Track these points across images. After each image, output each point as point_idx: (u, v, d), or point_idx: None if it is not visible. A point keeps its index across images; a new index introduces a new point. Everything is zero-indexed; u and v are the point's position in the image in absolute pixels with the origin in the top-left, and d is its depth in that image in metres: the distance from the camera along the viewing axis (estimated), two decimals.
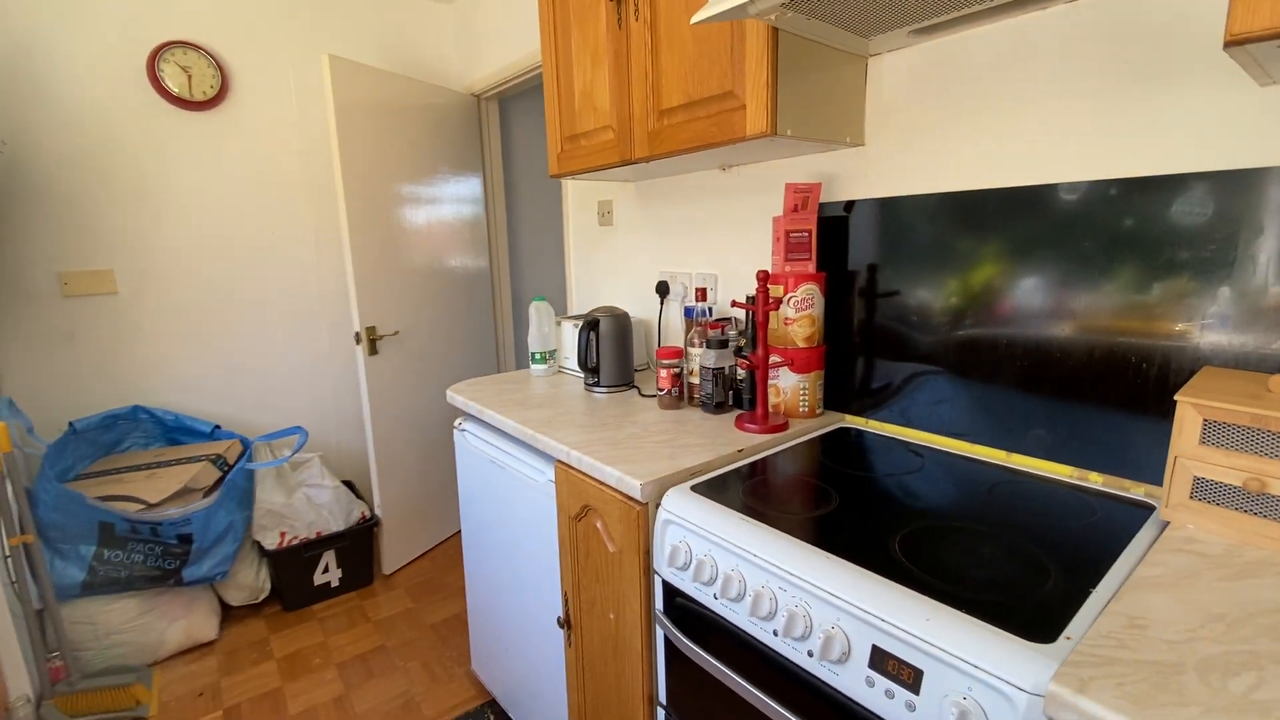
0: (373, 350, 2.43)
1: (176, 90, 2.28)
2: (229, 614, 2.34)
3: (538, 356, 1.94)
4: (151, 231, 2.30)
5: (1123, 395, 1.01)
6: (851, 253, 1.38)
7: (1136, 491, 1.01)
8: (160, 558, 1.95)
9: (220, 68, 2.35)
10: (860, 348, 1.39)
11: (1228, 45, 0.65)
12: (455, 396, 1.73)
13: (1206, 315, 0.92)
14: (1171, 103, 0.93)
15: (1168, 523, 0.87)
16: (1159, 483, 0.99)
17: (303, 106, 2.55)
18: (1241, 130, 0.88)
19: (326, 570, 2.40)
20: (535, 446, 1.37)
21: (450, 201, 2.75)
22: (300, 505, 2.35)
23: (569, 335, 1.90)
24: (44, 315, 2.14)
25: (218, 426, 2.39)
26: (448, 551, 2.80)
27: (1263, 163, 0.86)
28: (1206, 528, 0.83)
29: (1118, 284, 1.00)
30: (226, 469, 2.19)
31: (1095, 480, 1.05)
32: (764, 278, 1.28)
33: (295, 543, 2.31)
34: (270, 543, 2.28)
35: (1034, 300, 1.10)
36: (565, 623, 1.36)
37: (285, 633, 2.23)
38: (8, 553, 1.69)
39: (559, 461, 1.30)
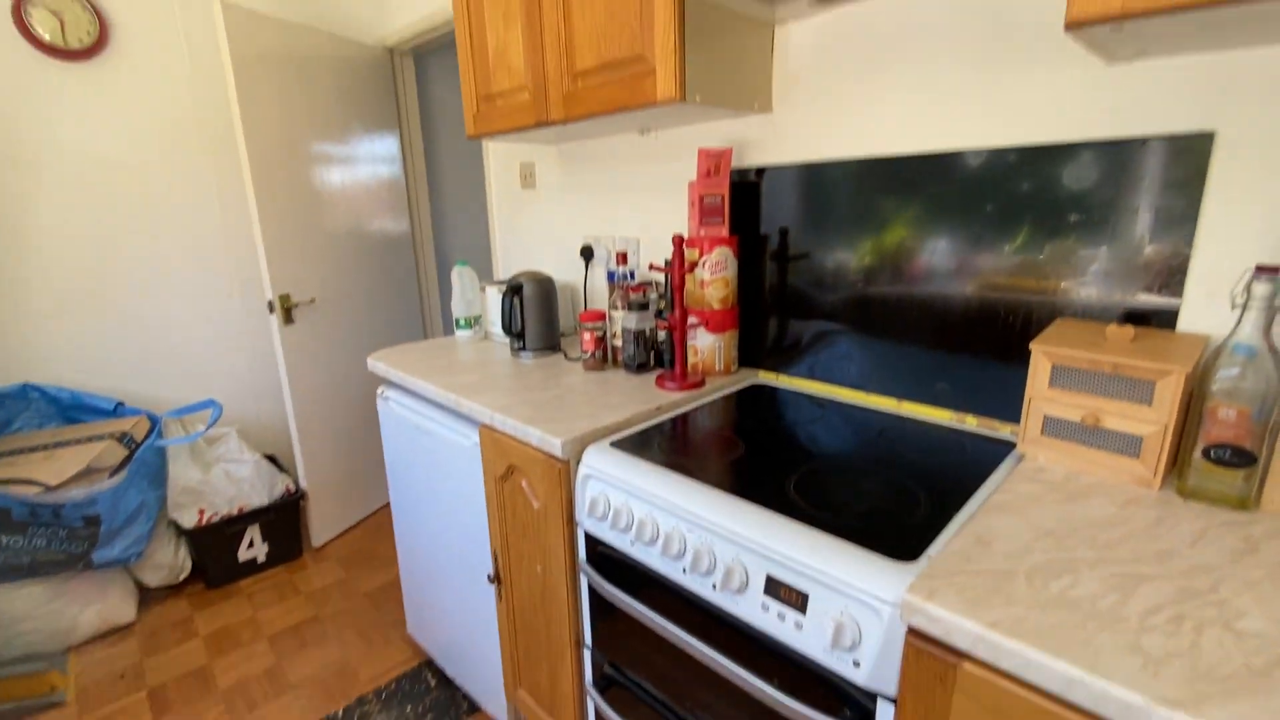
0: (288, 319, 2.34)
1: (49, 38, 2.06)
2: (148, 595, 2.26)
3: (462, 322, 1.93)
4: (30, 194, 2.11)
5: (999, 347, 1.13)
6: (764, 217, 1.45)
7: (1004, 431, 1.13)
8: (65, 541, 1.86)
9: (97, 12, 2.14)
10: (772, 308, 1.47)
11: (1068, 28, 0.72)
12: (377, 364, 1.71)
13: (1087, 273, 1.03)
14: (1044, 78, 1.02)
15: (1023, 456, 0.99)
16: None
17: (195, 57, 2.36)
18: (1100, 104, 0.98)
19: (252, 545, 2.35)
20: (460, 411, 1.39)
21: (366, 161, 2.64)
22: (219, 481, 2.27)
23: (494, 301, 1.90)
24: None
25: (121, 403, 2.26)
26: (379, 521, 2.79)
27: (1120, 133, 0.97)
28: (1053, 459, 0.96)
29: (1007, 244, 1.11)
30: (134, 447, 2.09)
31: (971, 423, 1.18)
32: (679, 242, 1.32)
33: (216, 519, 2.24)
34: (188, 521, 2.20)
35: (930, 261, 1.20)
36: (495, 578, 1.41)
37: (210, 610, 2.19)
38: None
39: (483, 425, 1.32)
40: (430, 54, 3.09)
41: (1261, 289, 0.79)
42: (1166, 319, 0.96)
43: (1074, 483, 0.90)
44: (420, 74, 3.09)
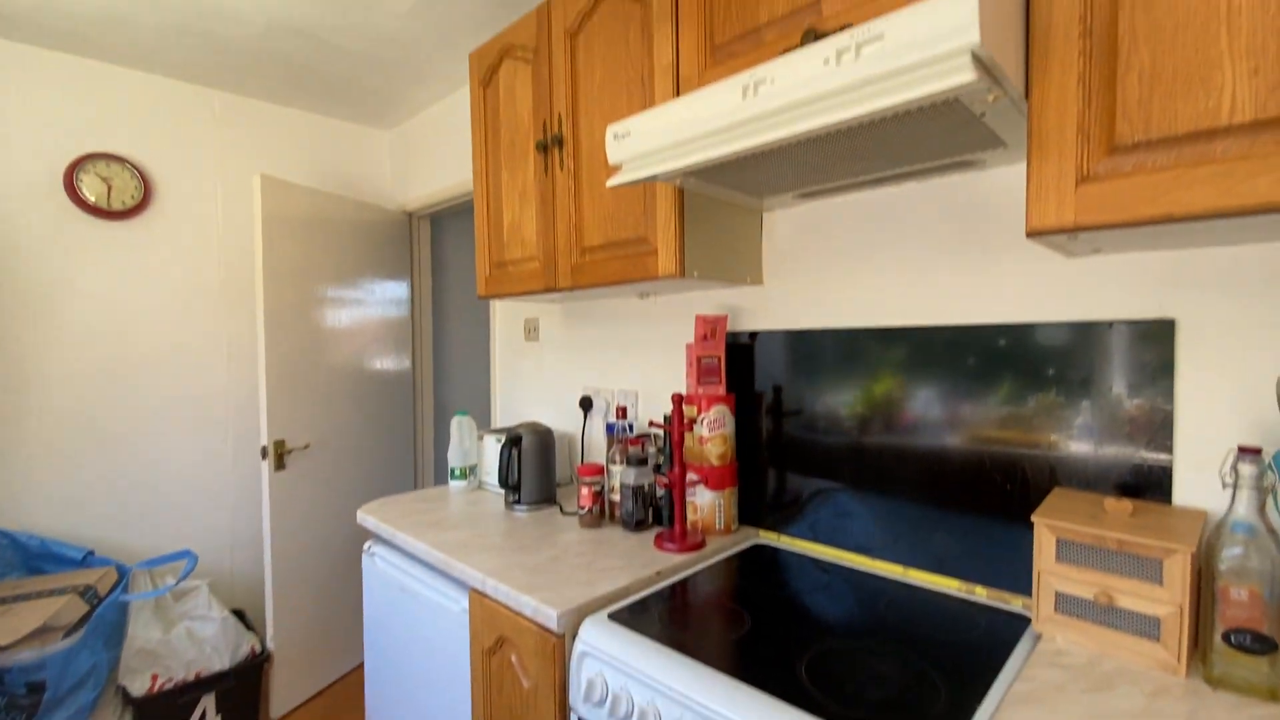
0: (280, 465, 2.31)
1: (94, 199, 2.24)
2: None
3: (457, 472, 1.91)
4: (44, 341, 2.17)
5: (999, 506, 1.13)
6: (758, 375, 1.50)
7: (1015, 604, 1.10)
8: (2, 711, 1.68)
9: (144, 179, 2.35)
10: (770, 464, 1.48)
11: (1029, 236, 0.81)
12: (366, 518, 1.66)
13: (1074, 426, 1.06)
14: (1012, 266, 1.13)
15: (1040, 635, 0.95)
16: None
17: (228, 216, 2.56)
18: (1066, 291, 1.07)
19: (204, 718, 2.12)
20: (450, 573, 1.33)
21: (377, 303, 2.76)
22: (179, 641, 2.10)
23: (491, 450, 1.90)
24: None
25: (91, 552, 2.15)
26: (348, 688, 2.55)
27: (1085, 317, 1.05)
28: (1072, 640, 0.92)
29: (991, 395, 1.15)
30: (96, 602, 1.96)
31: (980, 594, 1.14)
32: (678, 400, 1.36)
33: (169, 686, 2.04)
34: (139, 687, 2.00)
35: (920, 413, 1.23)
36: None
37: None
38: None
39: (473, 589, 1.27)
40: (446, 216, 3.36)
41: (1248, 469, 0.81)
42: (1161, 489, 0.98)
43: (1097, 669, 0.86)
44: (435, 232, 3.34)
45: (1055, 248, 0.94)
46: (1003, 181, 1.13)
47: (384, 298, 2.81)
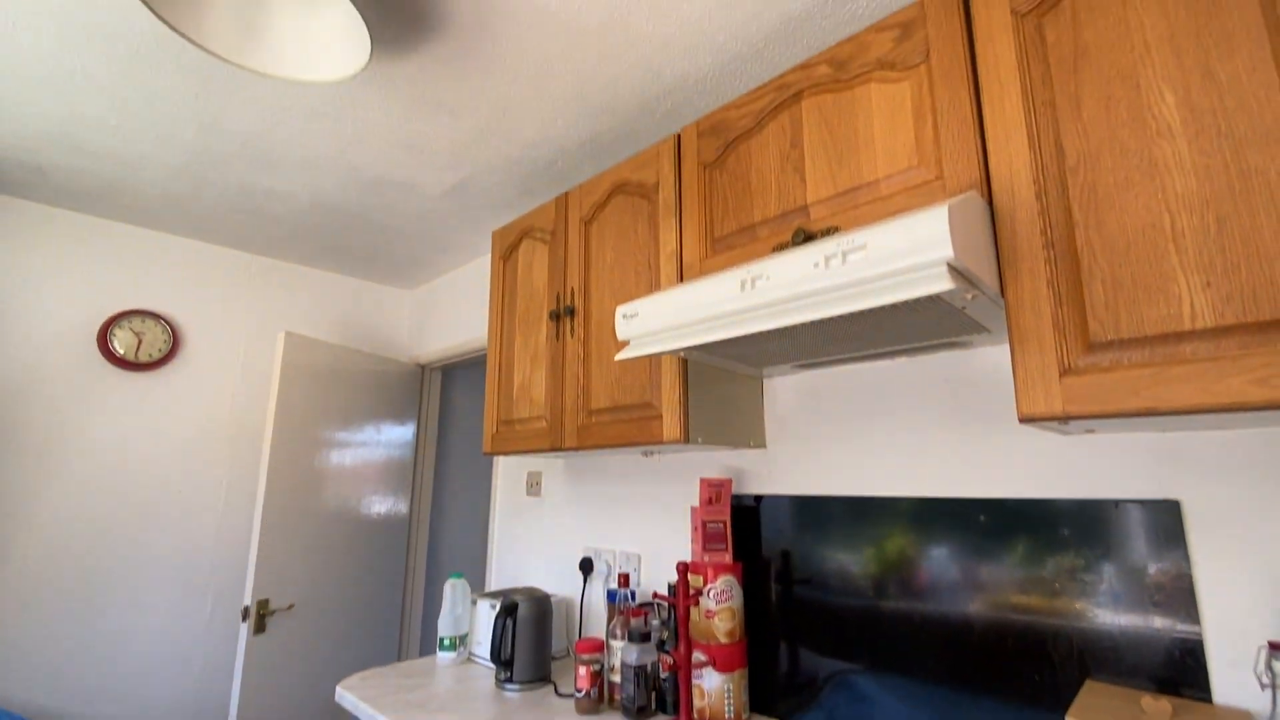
0: (260, 628, 2.18)
1: (122, 352, 2.35)
2: None
3: (446, 643, 1.80)
4: (43, 484, 2.16)
5: (1026, 698, 1.04)
6: (765, 541, 1.47)
7: None
8: None
9: (174, 332, 2.47)
10: (781, 638, 1.40)
11: (1022, 421, 0.84)
12: (345, 695, 1.54)
13: (1098, 593, 1.01)
14: (1010, 440, 1.15)
15: None
16: None
17: (248, 366, 2.65)
18: (1068, 467, 1.08)
19: None
20: None
21: (380, 446, 2.75)
22: None
23: (484, 616, 1.80)
24: None
25: None
26: None
27: (1090, 494, 1.05)
28: None
29: (1011, 570, 1.11)
30: None
31: None
32: (683, 570, 1.32)
33: None
34: None
35: (937, 580, 1.18)
36: None
37: None
38: None
39: None
40: (458, 369, 3.48)
41: None
42: (1198, 682, 0.91)
43: None
44: (445, 382, 3.43)
45: (1049, 429, 0.97)
46: (992, 359, 1.18)
47: (389, 440, 2.82)
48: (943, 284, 0.73)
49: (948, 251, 0.74)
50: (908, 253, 0.77)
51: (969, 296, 0.85)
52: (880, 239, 0.80)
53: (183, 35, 1.08)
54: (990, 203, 0.90)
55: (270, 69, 1.17)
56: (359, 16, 1.04)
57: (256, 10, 1.12)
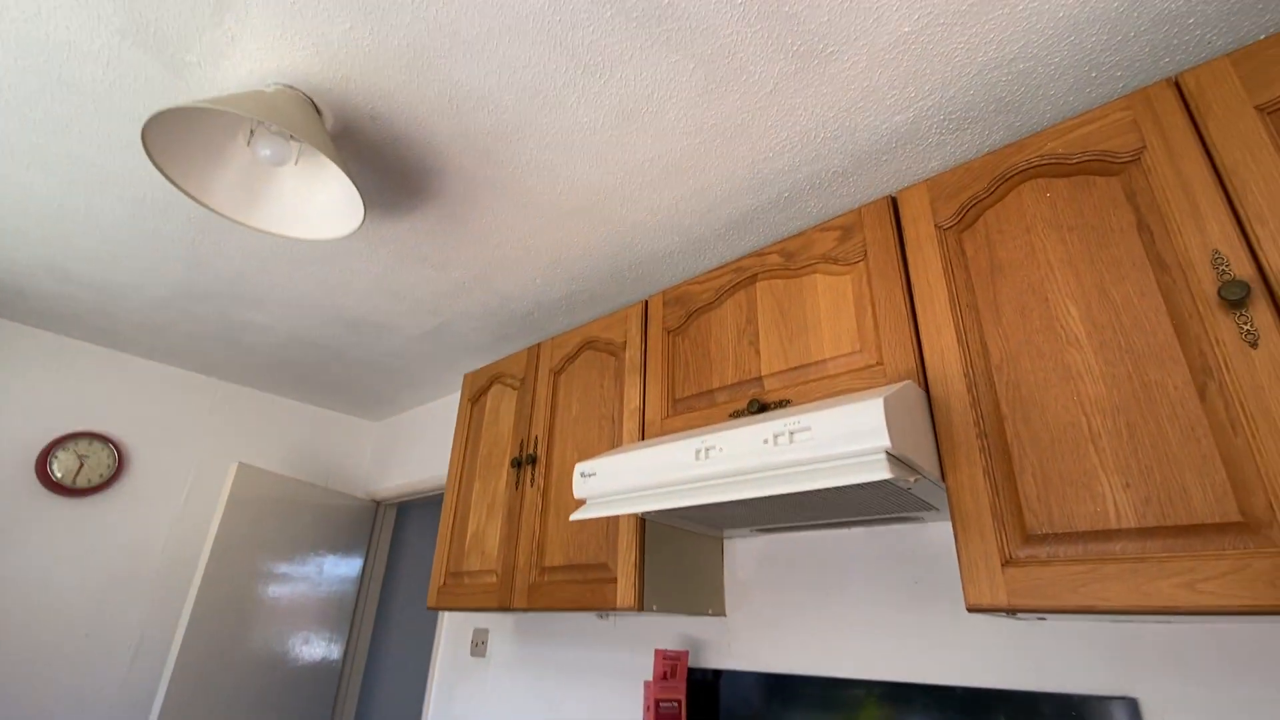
0: None
1: (60, 476, 2.23)
2: None
3: None
4: None
5: None
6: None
7: None
8: None
9: (120, 455, 2.37)
10: None
11: (970, 611, 0.84)
12: None
13: None
14: (962, 622, 1.13)
15: None
16: None
17: (193, 494, 2.52)
18: (1022, 657, 1.06)
19: None
20: None
21: (323, 582, 2.54)
22: None
23: None
24: None
25: None
26: None
27: (1049, 688, 1.02)
28: None
29: None
30: None
31: None
32: None
33: None
34: None
35: None
36: None
37: None
38: None
39: None
40: (413, 506, 3.36)
41: None
42: None
43: None
44: (399, 518, 3.29)
45: (1000, 615, 0.96)
46: (945, 535, 1.20)
47: (333, 576, 2.62)
48: (881, 472, 0.76)
49: (885, 442, 0.78)
50: (849, 439, 0.81)
51: (912, 480, 0.88)
52: (823, 424, 0.84)
53: (193, 198, 1.17)
54: (927, 390, 0.96)
55: (270, 227, 1.25)
56: (355, 190, 1.15)
57: (262, 179, 1.22)
